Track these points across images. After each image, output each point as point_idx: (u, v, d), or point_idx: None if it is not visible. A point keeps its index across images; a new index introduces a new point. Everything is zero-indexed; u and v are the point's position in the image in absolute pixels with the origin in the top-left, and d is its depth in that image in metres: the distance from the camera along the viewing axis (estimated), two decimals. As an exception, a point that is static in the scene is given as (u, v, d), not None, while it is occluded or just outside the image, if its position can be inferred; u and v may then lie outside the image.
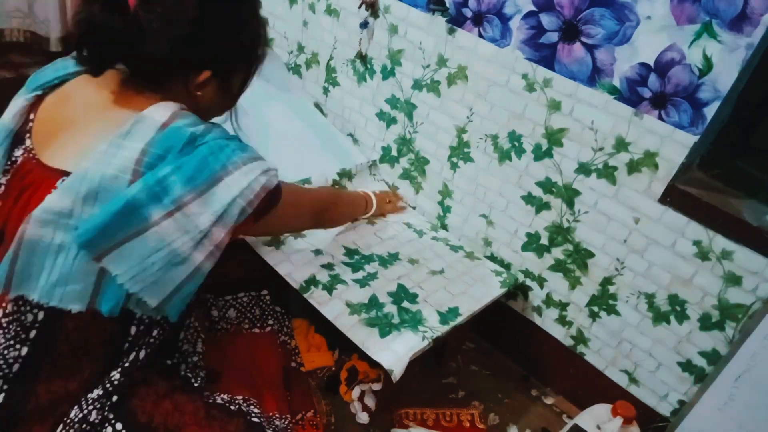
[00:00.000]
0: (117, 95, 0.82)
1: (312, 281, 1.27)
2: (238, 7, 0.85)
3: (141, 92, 0.83)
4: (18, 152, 0.83)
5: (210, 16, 0.80)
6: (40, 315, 0.78)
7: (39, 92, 0.87)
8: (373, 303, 1.27)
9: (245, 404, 0.96)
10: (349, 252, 1.41)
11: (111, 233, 0.73)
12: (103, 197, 0.74)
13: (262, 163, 0.84)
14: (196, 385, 0.96)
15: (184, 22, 0.78)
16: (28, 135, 0.84)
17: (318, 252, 1.37)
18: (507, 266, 1.54)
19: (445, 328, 1.25)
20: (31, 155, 0.81)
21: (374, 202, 1.49)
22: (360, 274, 1.34)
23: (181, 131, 0.78)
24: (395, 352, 1.15)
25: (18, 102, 0.87)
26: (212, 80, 0.85)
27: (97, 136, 0.77)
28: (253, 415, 0.94)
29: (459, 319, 1.29)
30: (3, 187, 0.84)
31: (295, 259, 1.32)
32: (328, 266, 1.34)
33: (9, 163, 0.84)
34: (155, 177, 0.75)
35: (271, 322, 1.26)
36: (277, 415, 1.01)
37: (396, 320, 1.24)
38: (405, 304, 1.29)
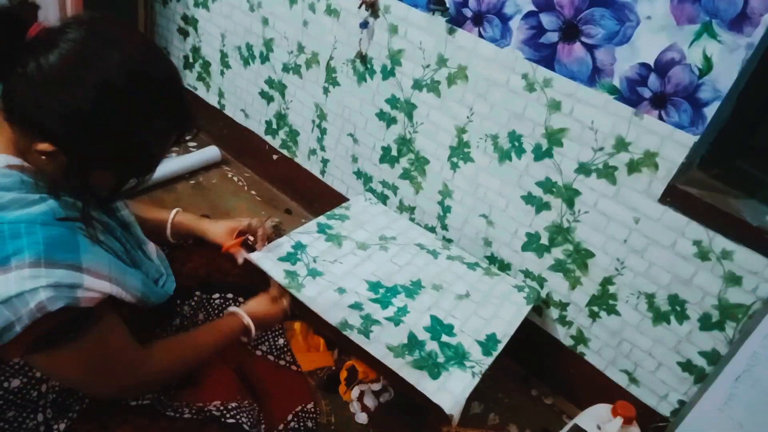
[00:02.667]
0: None
1: (345, 325, 1.21)
2: (156, 113, 0.70)
3: (1, 125, 0.68)
4: None
5: (98, 107, 0.64)
6: None
7: None
8: (413, 342, 1.22)
9: (219, 410, 0.90)
10: (372, 286, 1.35)
11: None
12: None
13: (63, 274, 0.64)
14: (163, 398, 0.88)
15: (67, 104, 0.64)
16: None
17: (341, 290, 1.30)
18: (527, 274, 1.52)
19: (490, 360, 1.22)
20: None
21: (250, 324, 1.02)
22: (390, 311, 1.29)
23: None
24: (452, 394, 1.11)
25: None
26: (59, 156, 0.67)
27: None
28: (228, 416, 0.88)
29: (500, 347, 1.27)
30: None
31: (321, 302, 1.25)
32: (357, 306, 1.27)
33: None
34: None
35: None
36: (246, 404, 0.93)
37: (441, 359, 1.20)
38: (444, 338, 1.25)
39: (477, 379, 1.16)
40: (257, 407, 0.96)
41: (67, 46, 0.64)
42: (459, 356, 1.21)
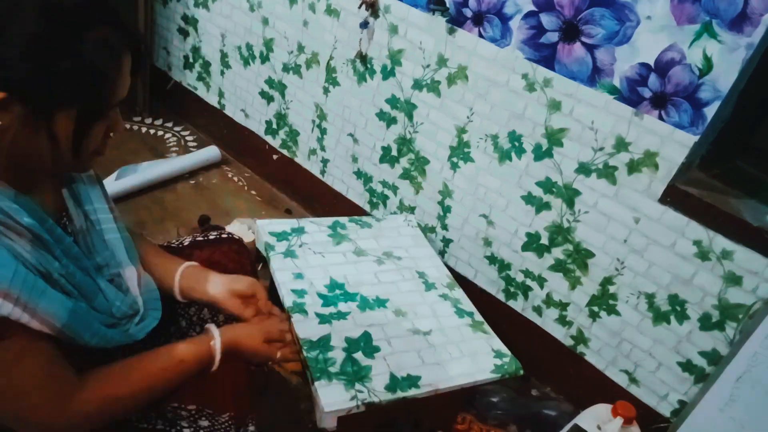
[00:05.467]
0: None
1: (277, 300, 1.16)
2: (85, 26, 0.63)
3: None
4: None
5: (46, 24, 0.60)
6: None
7: None
8: (321, 343, 1.14)
9: (193, 418, 0.85)
10: (332, 285, 1.29)
11: None
12: None
13: None
14: None
15: (13, 27, 0.59)
16: None
17: (298, 275, 1.28)
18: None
19: (389, 396, 1.07)
20: None
21: (216, 355, 0.84)
22: (327, 310, 1.21)
23: None
24: (317, 404, 1.03)
25: None
26: (17, 107, 0.61)
27: None
28: (202, 428, 0.83)
29: (412, 392, 1.10)
30: None
31: (275, 276, 1.26)
32: (299, 293, 1.23)
33: None
34: None
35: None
36: (228, 416, 0.87)
37: (334, 369, 1.09)
38: (357, 355, 1.14)
39: (353, 404, 1.03)
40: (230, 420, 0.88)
41: None
42: (355, 376, 1.10)
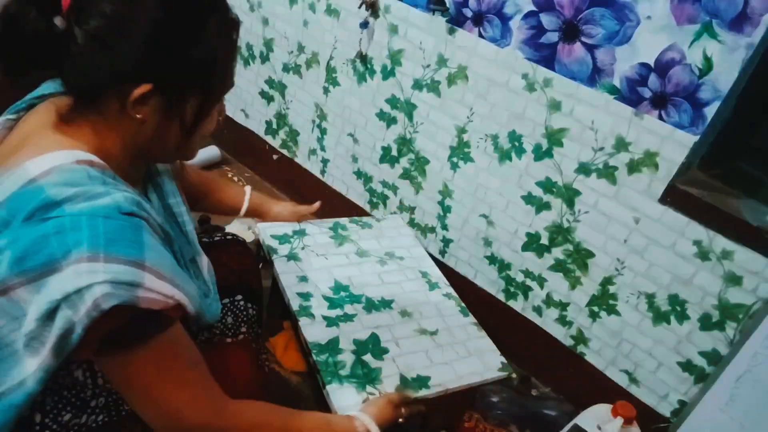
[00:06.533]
0: (54, 127, 0.68)
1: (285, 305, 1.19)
2: (206, 14, 0.69)
3: (74, 121, 0.68)
4: None
5: (173, 14, 0.66)
6: None
7: (12, 116, 0.74)
8: (330, 346, 1.14)
9: None
10: (337, 287, 1.29)
11: None
12: None
13: (122, 270, 0.59)
14: None
15: (141, 23, 0.65)
16: None
17: (303, 278, 1.28)
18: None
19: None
20: None
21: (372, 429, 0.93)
22: (334, 313, 1.22)
23: (37, 192, 0.60)
24: (329, 407, 1.03)
25: None
26: (155, 99, 0.68)
27: None
28: None
29: (422, 393, 1.10)
30: None
31: (281, 280, 1.25)
32: (305, 296, 1.23)
33: None
34: None
35: (244, 329, 1.05)
36: None
37: (345, 371, 1.09)
38: (367, 357, 1.14)
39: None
40: None
41: None
42: (367, 379, 1.10)
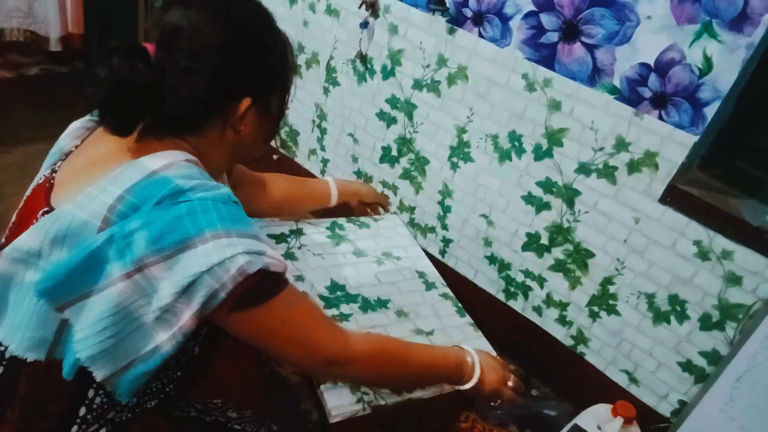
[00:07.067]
0: (137, 143, 0.76)
1: None
2: (261, 28, 0.80)
3: (162, 138, 0.77)
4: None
5: (235, 37, 0.75)
6: (8, 353, 0.72)
7: (96, 118, 0.80)
8: None
9: (222, 410, 0.90)
10: (333, 287, 1.28)
11: (71, 285, 0.66)
12: (71, 242, 0.68)
13: (251, 242, 0.71)
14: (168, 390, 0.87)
15: (211, 50, 0.74)
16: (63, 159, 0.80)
17: (299, 278, 1.27)
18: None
19: (395, 399, 1.04)
20: (48, 184, 0.77)
21: (476, 366, 1.05)
22: (329, 313, 1.21)
23: (165, 182, 0.69)
24: (324, 408, 1.02)
25: (76, 124, 0.85)
26: (252, 108, 0.80)
27: (95, 183, 0.71)
28: (233, 421, 0.88)
29: (418, 393, 1.07)
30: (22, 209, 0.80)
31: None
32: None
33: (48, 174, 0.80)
34: (123, 230, 0.66)
35: None
36: (251, 412, 0.95)
37: None
38: None
39: (359, 407, 1.01)
40: (265, 420, 0.95)
41: (185, 13, 0.74)
42: None
